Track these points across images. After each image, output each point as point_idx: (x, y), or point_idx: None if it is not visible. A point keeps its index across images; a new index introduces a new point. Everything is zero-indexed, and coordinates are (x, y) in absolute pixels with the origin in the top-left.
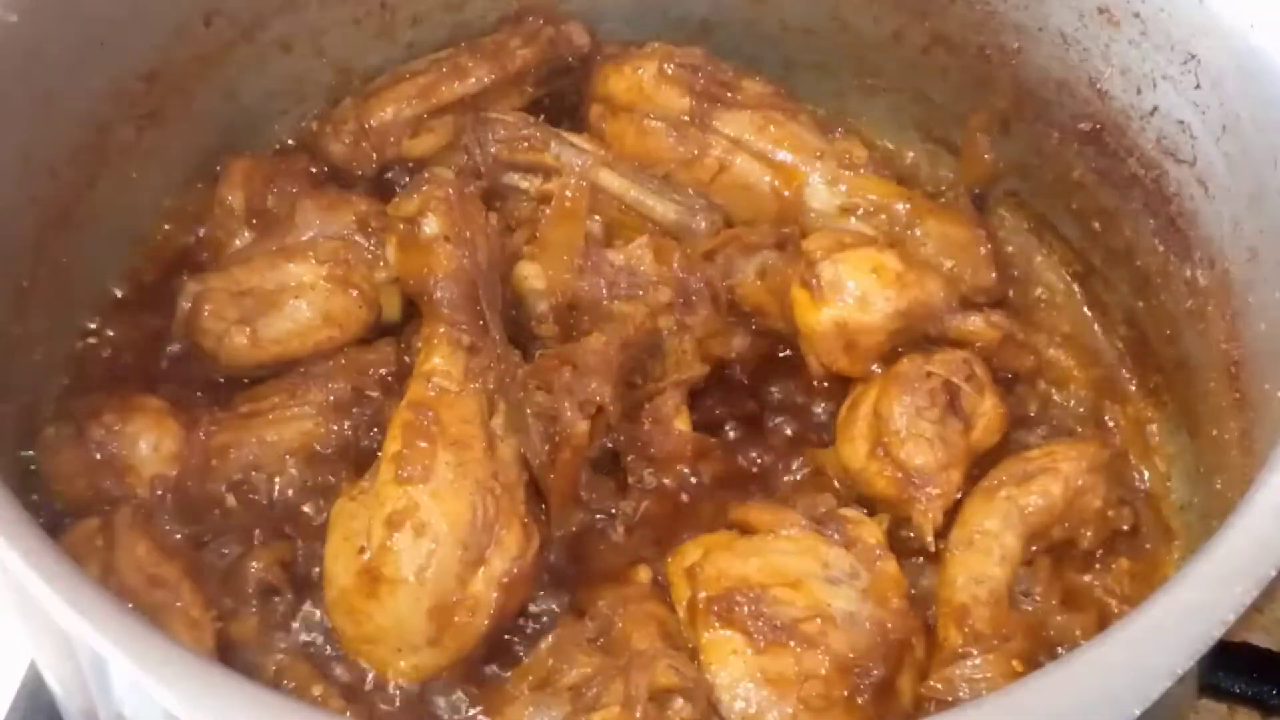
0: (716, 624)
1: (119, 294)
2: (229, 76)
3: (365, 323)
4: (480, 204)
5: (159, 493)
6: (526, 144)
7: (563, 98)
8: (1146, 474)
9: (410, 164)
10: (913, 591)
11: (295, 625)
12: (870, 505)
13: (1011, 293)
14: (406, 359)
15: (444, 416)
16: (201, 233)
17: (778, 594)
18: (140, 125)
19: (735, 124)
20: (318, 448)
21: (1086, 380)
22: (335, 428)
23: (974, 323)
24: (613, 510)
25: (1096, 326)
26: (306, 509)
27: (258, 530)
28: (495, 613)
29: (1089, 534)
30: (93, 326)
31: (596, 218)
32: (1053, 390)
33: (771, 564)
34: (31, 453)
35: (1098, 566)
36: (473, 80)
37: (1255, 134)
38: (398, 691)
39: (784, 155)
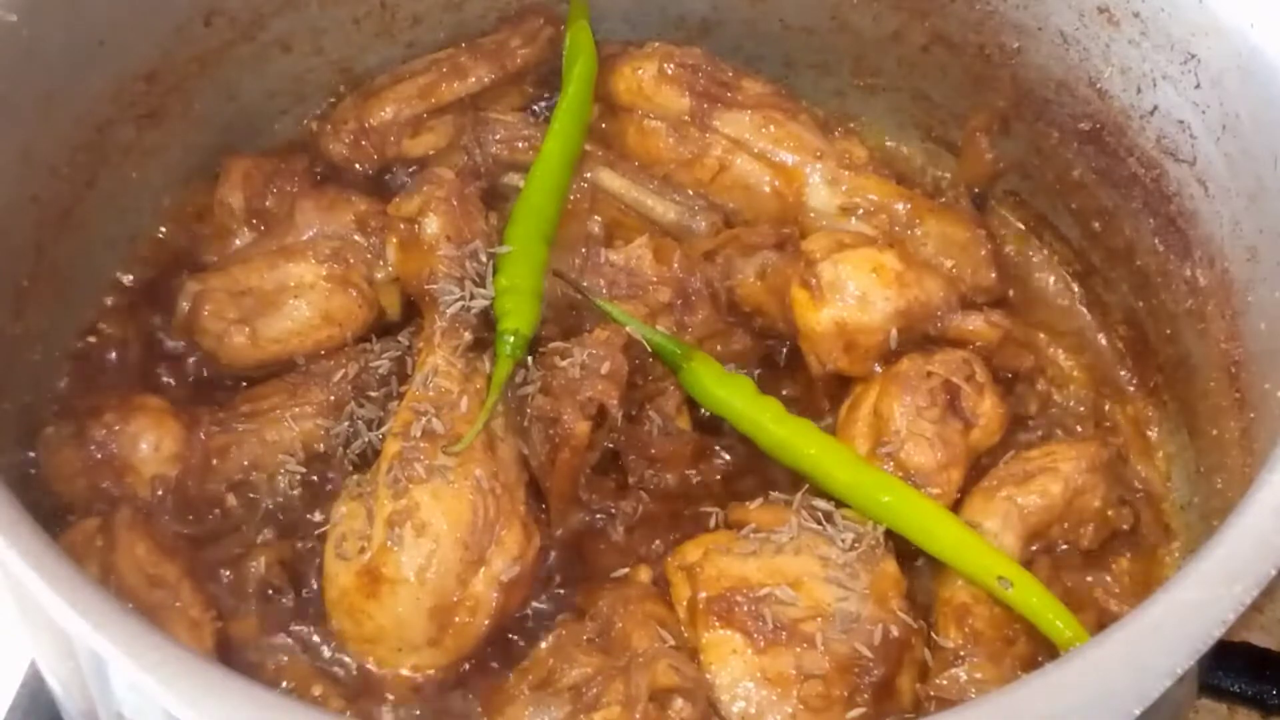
0: (716, 624)
1: (119, 294)
2: (229, 76)
3: (365, 322)
4: (480, 204)
5: (159, 493)
6: (526, 144)
7: None
8: (1146, 474)
9: (410, 164)
10: (912, 590)
11: (295, 625)
12: None
13: (1011, 293)
14: (406, 359)
15: (444, 416)
16: (201, 233)
17: (778, 594)
18: (140, 125)
19: (735, 124)
20: (318, 447)
21: (1086, 380)
22: (335, 427)
23: (974, 322)
24: (613, 510)
25: (1096, 326)
26: (306, 509)
27: (258, 530)
28: (496, 612)
29: (1089, 534)
30: (93, 326)
31: (596, 218)
32: (1053, 390)
33: (771, 564)
34: (32, 453)
35: (1098, 566)
36: (473, 80)
37: (1255, 133)
38: (397, 691)
39: (784, 155)
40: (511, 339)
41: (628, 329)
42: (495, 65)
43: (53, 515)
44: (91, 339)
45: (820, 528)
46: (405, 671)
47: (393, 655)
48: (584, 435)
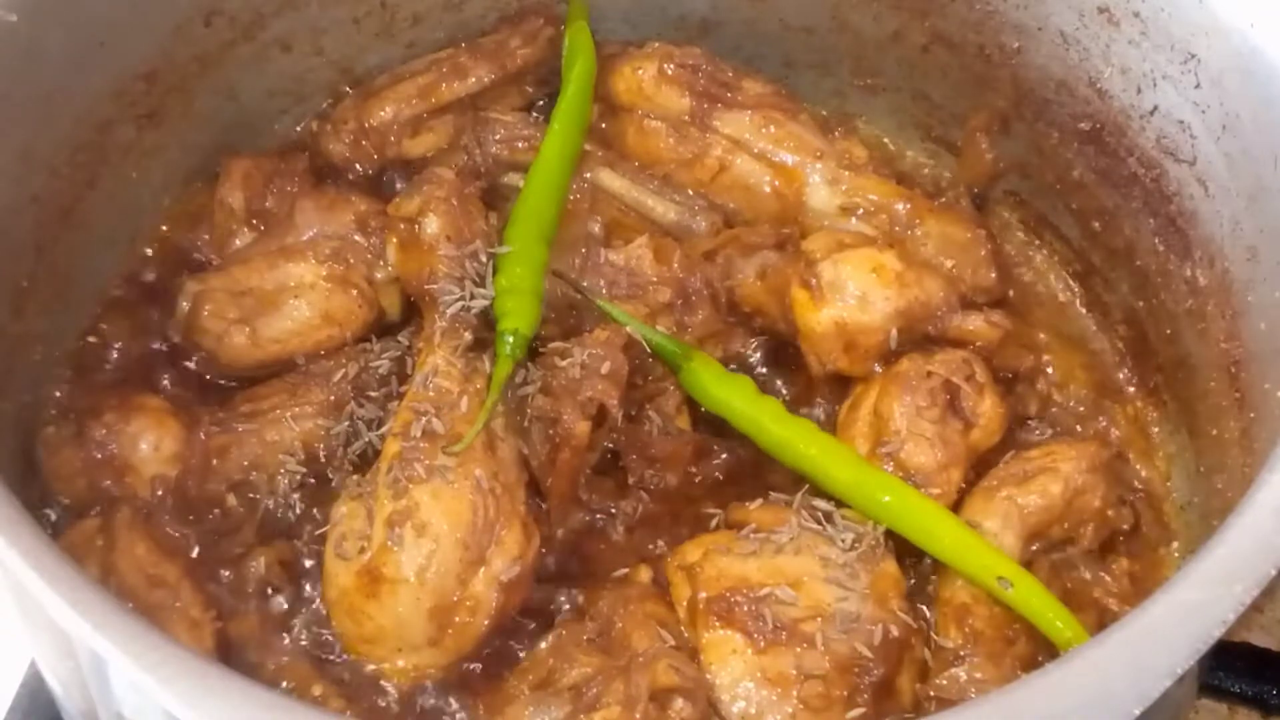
0: (716, 624)
1: (119, 294)
2: (229, 76)
3: (365, 322)
4: (480, 204)
5: (159, 493)
6: (526, 144)
7: None
8: (1146, 474)
9: (410, 164)
10: (912, 590)
11: (295, 625)
12: None
13: (1011, 293)
14: (406, 359)
15: (444, 416)
16: (201, 233)
17: (778, 594)
18: (140, 125)
19: (735, 124)
20: (318, 447)
21: (1086, 380)
22: (335, 427)
23: (974, 322)
24: (613, 510)
25: (1096, 326)
26: (307, 509)
27: (258, 530)
28: (496, 613)
29: (1089, 534)
30: (93, 326)
31: (597, 218)
32: (1053, 390)
33: (771, 564)
34: (32, 453)
35: (1098, 566)
36: (473, 80)
37: (1255, 133)
38: (398, 691)
39: (784, 155)
40: (511, 339)
41: (628, 329)
42: (495, 65)
43: (53, 515)
44: (91, 339)
45: (820, 528)
46: (405, 671)
47: (393, 655)
48: (584, 435)
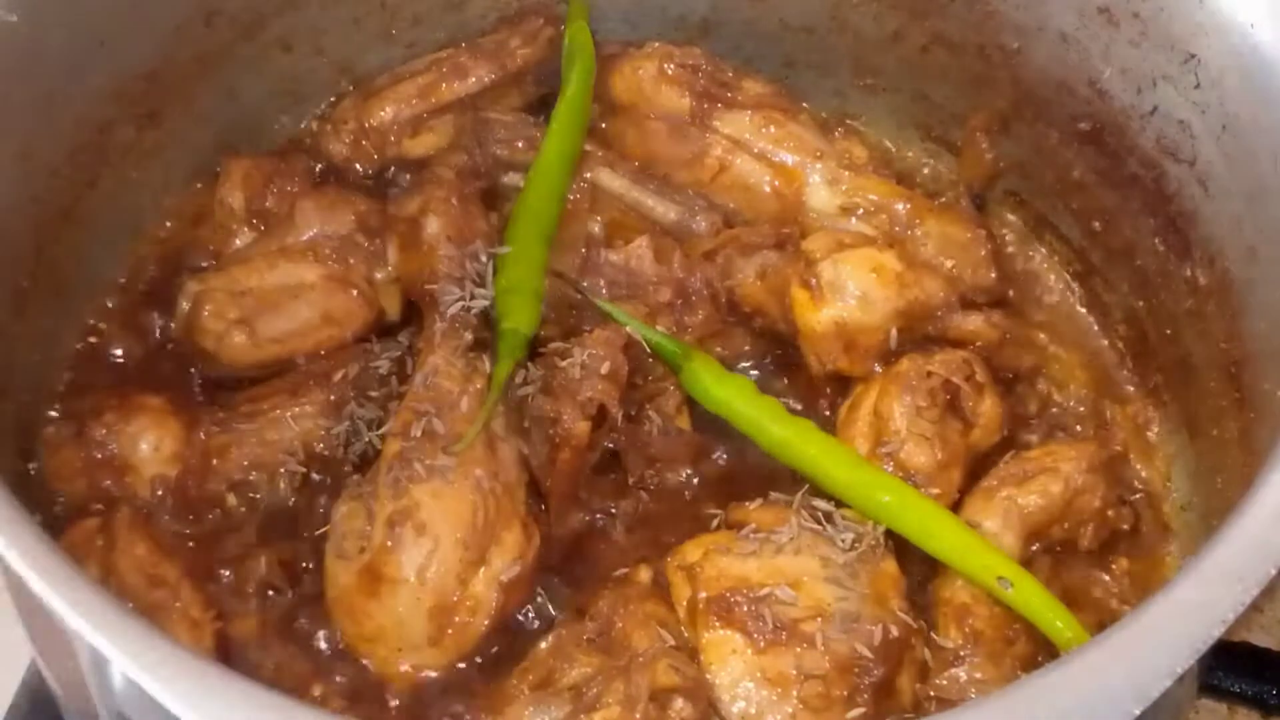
0: (716, 624)
1: (119, 294)
2: (229, 76)
3: (365, 322)
4: (480, 204)
5: (159, 492)
6: (526, 144)
7: None
8: (1146, 474)
9: (410, 164)
10: (912, 590)
11: (295, 625)
12: None
13: (1011, 293)
14: (406, 359)
15: (444, 416)
16: (201, 233)
17: (778, 594)
18: (140, 125)
19: (735, 124)
20: (318, 447)
21: (1086, 380)
22: (335, 427)
23: (974, 322)
24: (613, 510)
25: (1096, 326)
26: (307, 509)
27: (258, 530)
28: (496, 612)
29: (1088, 534)
30: (93, 326)
31: (597, 218)
32: (1053, 390)
33: (771, 564)
34: (32, 453)
35: (1098, 566)
36: (473, 80)
37: (1255, 133)
38: (398, 691)
39: (784, 155)
40: (511, 339)
41: (628, 329)
42: (495, 65)
43: (53, 515)
44: (91, 339)
45: (820, 528)
46: (405, 671)
47: (393, 655)
48: (584, 435)
